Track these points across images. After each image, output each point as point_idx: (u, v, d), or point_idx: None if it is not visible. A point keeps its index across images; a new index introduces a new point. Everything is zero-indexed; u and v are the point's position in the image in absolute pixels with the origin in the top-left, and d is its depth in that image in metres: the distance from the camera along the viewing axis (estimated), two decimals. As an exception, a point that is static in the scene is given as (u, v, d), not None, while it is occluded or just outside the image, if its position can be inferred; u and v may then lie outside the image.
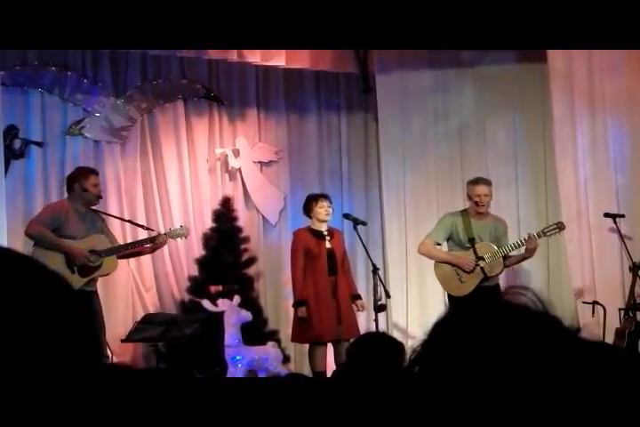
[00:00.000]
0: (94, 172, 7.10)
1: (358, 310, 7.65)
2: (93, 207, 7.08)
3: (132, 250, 7.14)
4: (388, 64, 8.97)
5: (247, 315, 7.91)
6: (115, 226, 7.87)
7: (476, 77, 8.90)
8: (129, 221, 7.80)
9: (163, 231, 7.57)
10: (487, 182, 7.43)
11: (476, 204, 7.34)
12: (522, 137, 8.82)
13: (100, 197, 7.04)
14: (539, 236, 7.32)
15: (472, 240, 7.31)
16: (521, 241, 7.33)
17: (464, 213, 7.46)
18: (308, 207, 7.68)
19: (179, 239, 7.66)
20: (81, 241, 6.75)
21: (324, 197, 7.75)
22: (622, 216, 7.66)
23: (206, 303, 7.91)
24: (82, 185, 6.85)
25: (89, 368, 1.06)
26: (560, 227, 7.47)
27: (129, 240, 7.73)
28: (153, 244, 7.18)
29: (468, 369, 1.08)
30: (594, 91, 8.01)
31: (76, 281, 6.60)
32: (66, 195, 7.17)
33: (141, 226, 7.66)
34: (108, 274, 7.08)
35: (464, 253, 7.32)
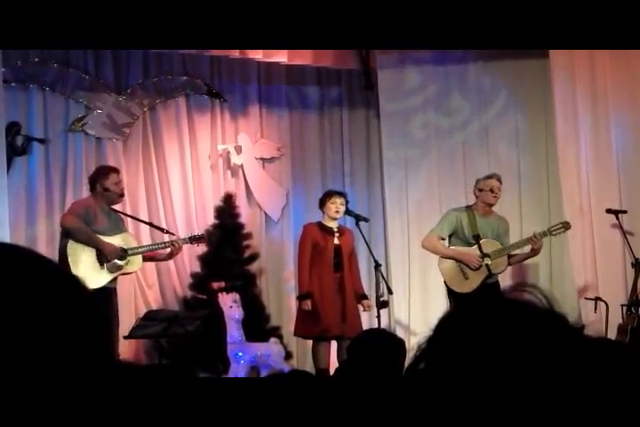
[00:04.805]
0: (114, 170, 7.06)
1: (364, 310, 7.63)
2: (114, 207, 7.07)
3: (152, 253, 7.10)
4: (389, 60, 8.96)
5: (236, 312, 7.85)
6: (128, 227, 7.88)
7: (478, 74, 8.88)
8: (149, 224, 7.77)
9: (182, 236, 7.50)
10: (499, 178, 7.44)
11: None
12: (524, 133, 8.80)
13: (122, 195, 7.03)
14: (544, 235, 7.32)
15: (477, 237, 7.30)
16: (525, 240, 7.32)
17: (469, 209, 7.45)
18: (322, 202, 7.66)
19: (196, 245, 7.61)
20: (111, 238, 6.76)
21: (340, 194, 7.70)
22: (625, 212, 7.66)
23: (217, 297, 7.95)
24: (103, 184, 6.81)
25: (102, 368, 1.06)
26: (565, 226, 7.45)
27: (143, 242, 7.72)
28: (173, 247, 7.07)
29: (474, 366, 1.08)
30: (596, 87, 8.00)
31: (104, 277, 6.65)
32: (83, 194, 7.22)
33: (161, 229, 7.59)
34: (132, 272, 7.11)
35: (469, 250, 7.31)
